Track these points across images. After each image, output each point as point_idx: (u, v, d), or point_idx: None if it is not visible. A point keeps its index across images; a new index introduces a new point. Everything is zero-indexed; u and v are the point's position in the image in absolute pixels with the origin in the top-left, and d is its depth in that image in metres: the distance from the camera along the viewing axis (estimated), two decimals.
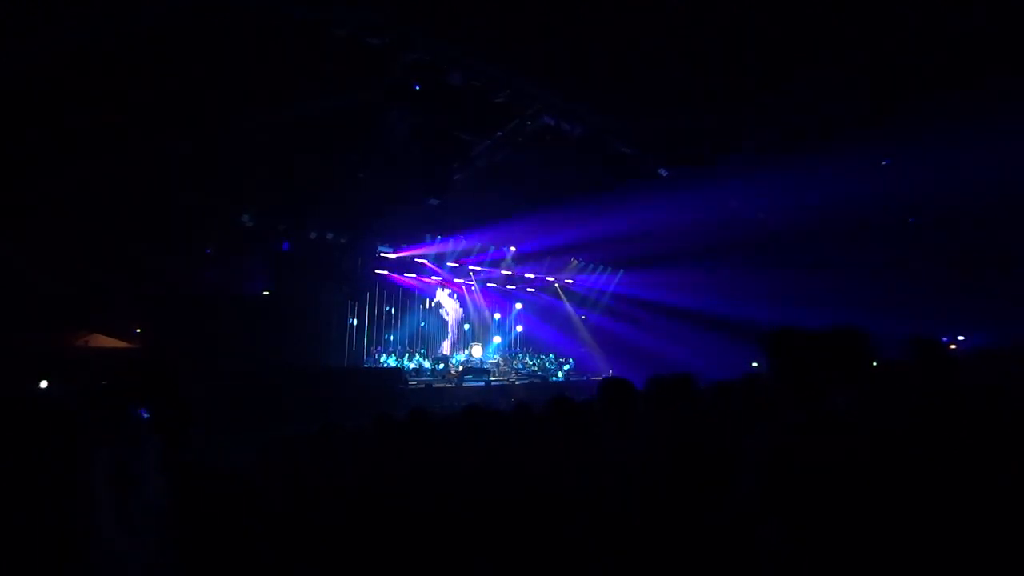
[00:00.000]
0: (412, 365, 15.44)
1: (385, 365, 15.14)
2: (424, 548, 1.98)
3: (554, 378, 17.10)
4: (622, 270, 19.50)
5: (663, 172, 12.07)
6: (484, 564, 1.86)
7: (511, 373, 16.65)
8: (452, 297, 18.14)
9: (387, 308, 16.81)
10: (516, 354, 18.60)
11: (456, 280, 18.09)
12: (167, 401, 1.39)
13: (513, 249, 17.37)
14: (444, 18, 7.43)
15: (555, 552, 1.78)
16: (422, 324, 17.54)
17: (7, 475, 0.98)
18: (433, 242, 15.87)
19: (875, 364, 2.07)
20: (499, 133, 10.55)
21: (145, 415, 1.27)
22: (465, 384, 14.31)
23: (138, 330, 11.55)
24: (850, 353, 1.84)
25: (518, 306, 19.44)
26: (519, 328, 19.54)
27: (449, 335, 17.65)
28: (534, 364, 17.96)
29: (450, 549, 1.94)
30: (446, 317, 17.93)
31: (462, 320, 18.33)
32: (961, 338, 11.67)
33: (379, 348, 16.08)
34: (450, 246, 16.24)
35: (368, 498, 2.30)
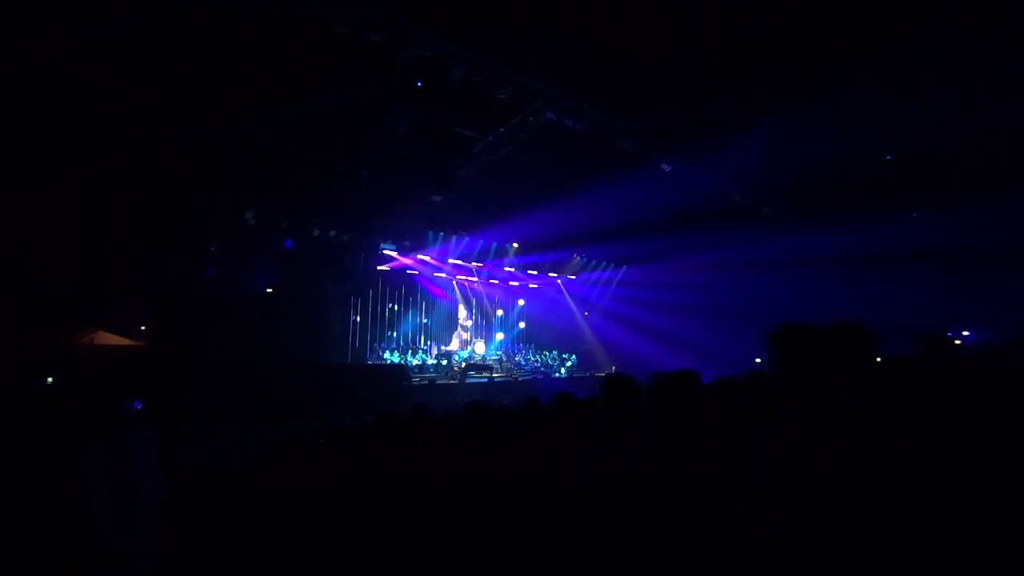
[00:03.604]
0: (415, 361, 15.48)
1: (388, 362, 15.18)
2: (427, 545, 1.99)
3: (556, 374, 17.11)
4: (625, 266, 19.45)
5: (666, 167, 12.03)
6: (488, 561, 1.87)
7: (514, 369, 16.67)
8: (455, 293, 18.16)
9: (390, 305, 16.84)
10: (519, 350, 18.61)
11: (459, 276, 18.10)
12: (160, 394, 1.39)
13: (516, 245, 17.37)
14: (445, 13, 7.42)
15: (559, 548, 1.79)
16: (425, 321, 17.56)
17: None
18: (436, 240, 15.88)
19: (878, 359, 2.07)
20: (501, 129, 10.53)
21: (138, 406, 1.27)
22: (468, 381, 14.34)
23: (143, 328, 11.61)
24: (853, 348, 1.84)
25: (520, 302, 19.44)
26: (522, 324, 19.55)
27: (457, 331, 17.67)
28: (537, 360, 17.97)
29: (454, 546, 1.95)
30: (448, 313, 17.96)
31: (465, 317, 18.36)
32: (966, 333, 11.61)
33: (382, 345, 16.12)
34: (453, 240, 16.25)
35: (372, 496, 2.31)
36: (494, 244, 17.08)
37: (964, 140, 9.64)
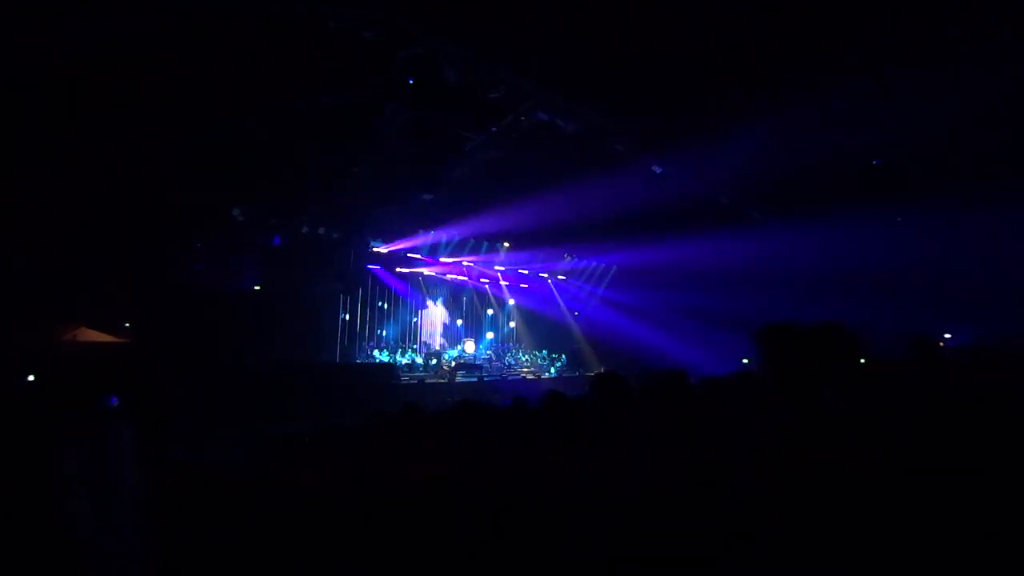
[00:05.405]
0: (404, 361, 15.42)
1: (378, 361, 15.10)
2: (420, 546, 1.99)
3: (547, 374, 17.14)
4: (615, 266, 19.53)
5: (657, 169, 12.10)
6: (488, 560, 1.87)
7: (504, 369, 16.68)
8: (444, 293, 18.14)
9: (380, 303, 16.75)
10: (509, 350, 18.61)
11: (449, 275, 18.06)
12: (144, 391, 1.35)
13: (507, 244, 17.35)
14: (444, 13, 7.39)
15: (559, 548, 1.79)
16: (414, 319, 17.51)
17: None
18: (427, 234, 15.81)
19: (863, 361, 2.10)
20: (493, 129, 10.53)
21: (114, 403, 1.24)
22: (458, 380, 14.32)
23: (127, 324, 11.44)
24: (839, 350, 1.87)
25: (511, 302, 19.45)
26: (512, 324, 19.56)
27: (441, 330, 17.66)
28: (527, 360, 17.99)
29: (446, 547, 1.95)
30: (437, 312, 17.94)
31: (455, 316, 18.33)
32: (948, 336, 11.81)
33: (372, 343, 16.03)
34: (444, 239, 16.21)
35: (370, 496, 2.30)
36: (485, 243, 17.06)
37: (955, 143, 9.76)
